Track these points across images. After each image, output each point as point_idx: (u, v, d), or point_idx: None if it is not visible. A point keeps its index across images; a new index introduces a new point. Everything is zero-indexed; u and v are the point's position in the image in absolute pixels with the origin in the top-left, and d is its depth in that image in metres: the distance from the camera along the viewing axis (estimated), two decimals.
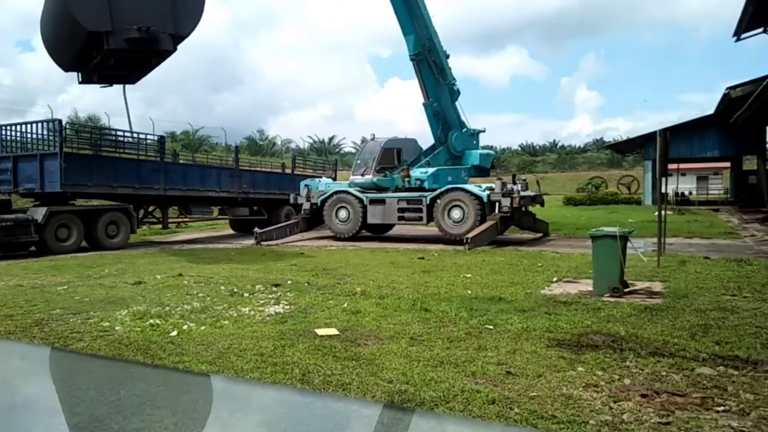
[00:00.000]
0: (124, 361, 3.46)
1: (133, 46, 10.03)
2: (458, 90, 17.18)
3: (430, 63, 15.99)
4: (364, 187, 16.32)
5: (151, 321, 5.91)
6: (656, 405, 3.47)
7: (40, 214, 13.54)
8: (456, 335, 5.19)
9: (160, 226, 18.39)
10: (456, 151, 16.82)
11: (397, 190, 16.05)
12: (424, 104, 16.33)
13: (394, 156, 16.23)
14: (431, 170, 15.79)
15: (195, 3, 10.61)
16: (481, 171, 17.31)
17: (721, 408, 3.42)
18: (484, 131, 17.83)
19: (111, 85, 12.60)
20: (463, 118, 17.01)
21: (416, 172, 15.84)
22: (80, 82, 12.36)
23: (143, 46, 10.15)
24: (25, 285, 8.58)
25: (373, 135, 16.86)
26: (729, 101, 22.89)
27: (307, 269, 9.98)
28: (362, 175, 16.09)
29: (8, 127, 15.07)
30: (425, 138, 17.52)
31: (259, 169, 22.77)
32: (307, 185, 17.85)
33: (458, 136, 16.80)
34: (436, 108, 16.28)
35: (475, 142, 17.46)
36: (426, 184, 15.46)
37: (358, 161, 16.65)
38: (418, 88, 16.32)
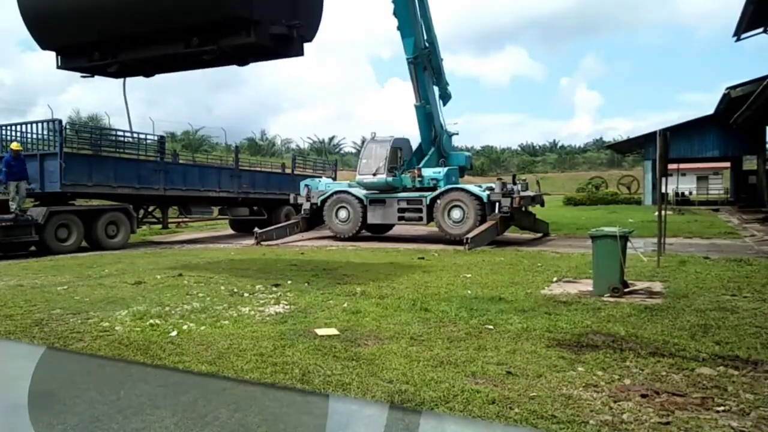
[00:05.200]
0: (124, 361, 3.46)
1: (271, 44, 8.20)
2: (450, 93, 17.41)
3: (426, 66, 16.04)
4: (374, 188, 16.24)
5: (151, 321, 5.91)
6: (656, 405, 3.47)
7: (40, 214, 13.54)
8: (456, 335, 5.19)
9: (160, 226, 18.38)
10: (445, 152, 17.09)
11: (404, 189, 16.06)
12: (416, 106, 16.36)
13: (397, 156, 16.25)
14: (444, 170, 15.88)
15: (316, 2, 8.84)
16: (461, 171, 17.60)
17: (721, 408, 3.42)
18: (457, 134, 18.43)
19: (93, 76, 9.91)
20: (442, 120, 17.30)
21: (428, 172, 15.88)
22: (59, 67, 9.40)
23: (279, 45, 8.35)
24: (25, 285, 8.58)
25: (374, 134, 16.85)
26: (729, 101, 22.91)
27: (307, 269, 9.98)
28: (374, 174, 15.94)
29: (8, 127, 15.08)
30: (413, 139, 17.78)
31: (259, 169, 22.78)
32: (307, 185, 17.85)
33: (446, 138, 17.20)
34: (428, 110, 16.36)
35: (451, 143, 17.91)
36: (441, 184, 15.50)
37: (364, 161, 16.46)
38: (412, 89, 16.39)
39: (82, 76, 9.87)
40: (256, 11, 7.67)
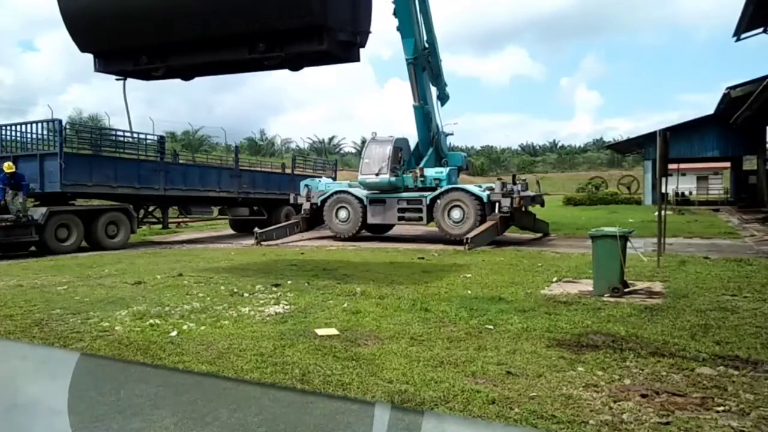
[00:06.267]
0: (124, 361, 3.46)
1: (336, 51, 7.89)
2: (448, 94, 17.44)
3: (426, 67, 16.04)
4: (377, 188, 16.20)
5: (151, 321, 5.91)
6: (656, 405, 3.47)
7: (40, 214, 13.54)
8: (456, 335, 5.19)
9: (160, 226, 18.40)
10: (442, 153, 17.13)
11: (406, 189, 16.05)
12: (414, 106, 16.33)
13: (399, 155, 16.26)
14: (446, 170, 15.90)
15: (367, 5, 8.46)
16: (458, 172, 17.65)
17: (721, 408, 3.42)
18: (452, 134, 18.59)
19: (126, 78, 9.51)
20: (439, 121, 17.37)
21: (431, 172, 15.88)
22: (97, 70, 8.96)
23: (342, 52, 8.06)
24: (25, 285, 8.58)
25: (374, 133, 16.84)
26: (729, 101, 22.89)
27: (307, 269, 9.97)
28: (376, 174, 15.89)
29: (8, 127, 15.08)
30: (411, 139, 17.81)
31: (259, 169, 22.80)
32: (307, 185, 17.85)
33: (443, 138, 17.27)
34: (427, 110, 16.37)
35: (447, 144, 18.02)
36: (443, 184, 15.51)
37: (366, 160, 16.34)
38: (410, 90, 16.40)
39: (117, 79, 9.45)
40: (330, 18, 7.50)
